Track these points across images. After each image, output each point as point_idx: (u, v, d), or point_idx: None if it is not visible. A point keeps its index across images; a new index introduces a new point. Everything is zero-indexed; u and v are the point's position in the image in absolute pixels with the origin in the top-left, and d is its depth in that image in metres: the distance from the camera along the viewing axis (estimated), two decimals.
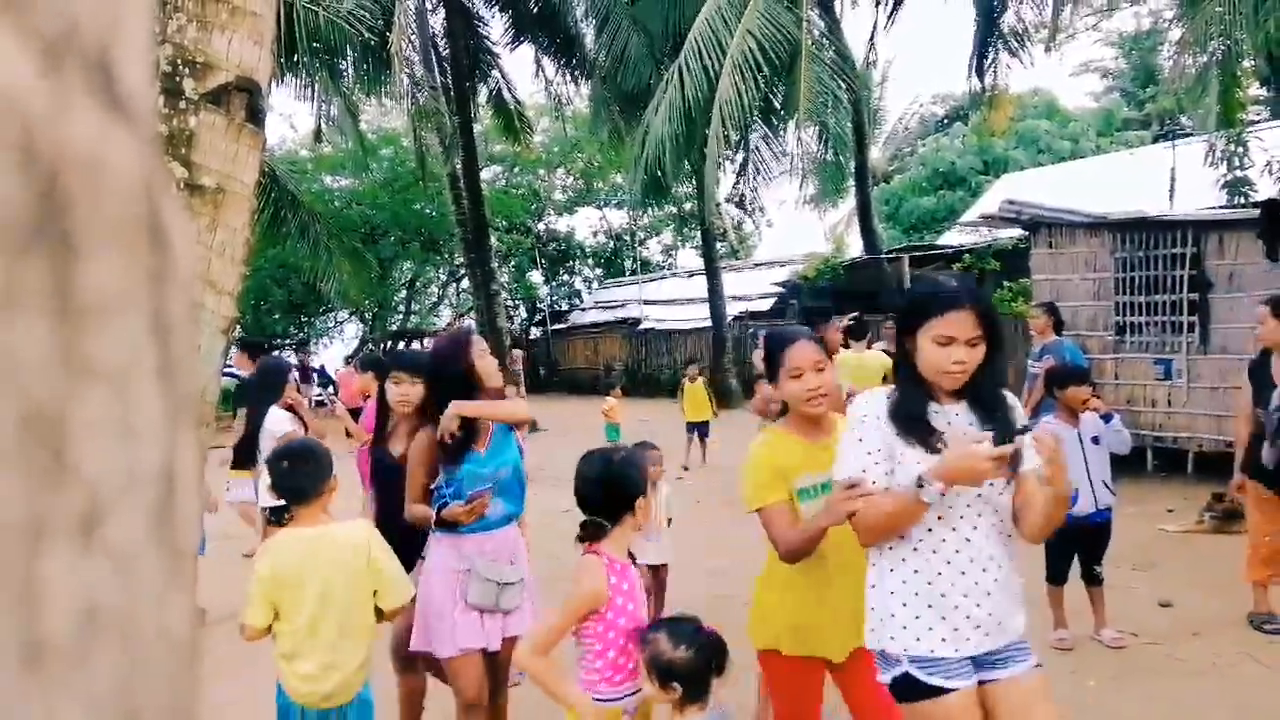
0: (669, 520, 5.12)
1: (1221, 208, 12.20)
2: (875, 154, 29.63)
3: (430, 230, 27.10)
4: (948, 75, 54.27)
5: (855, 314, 8.33)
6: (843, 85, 14.41)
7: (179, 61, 2.19)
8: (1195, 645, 4.85)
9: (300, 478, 2.89)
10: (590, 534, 2.67)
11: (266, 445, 6.04)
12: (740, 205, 32.83)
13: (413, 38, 16.50)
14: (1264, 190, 12.93)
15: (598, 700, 2.52)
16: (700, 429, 11.72)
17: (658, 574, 4.97)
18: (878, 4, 18.11)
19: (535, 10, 18.16)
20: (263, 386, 6.38)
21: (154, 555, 0.28)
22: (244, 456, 6.17)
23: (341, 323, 31.99)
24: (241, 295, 2.41)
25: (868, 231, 20.05)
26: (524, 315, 31.95)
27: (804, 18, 13.36)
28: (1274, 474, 4.84)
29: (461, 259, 25.22)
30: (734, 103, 12.79)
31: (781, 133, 16.04)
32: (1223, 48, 11.85)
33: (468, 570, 3.34)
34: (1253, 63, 13.38)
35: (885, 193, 29.98)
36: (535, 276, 32.20)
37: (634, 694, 2.53)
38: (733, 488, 3.73)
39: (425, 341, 31.95)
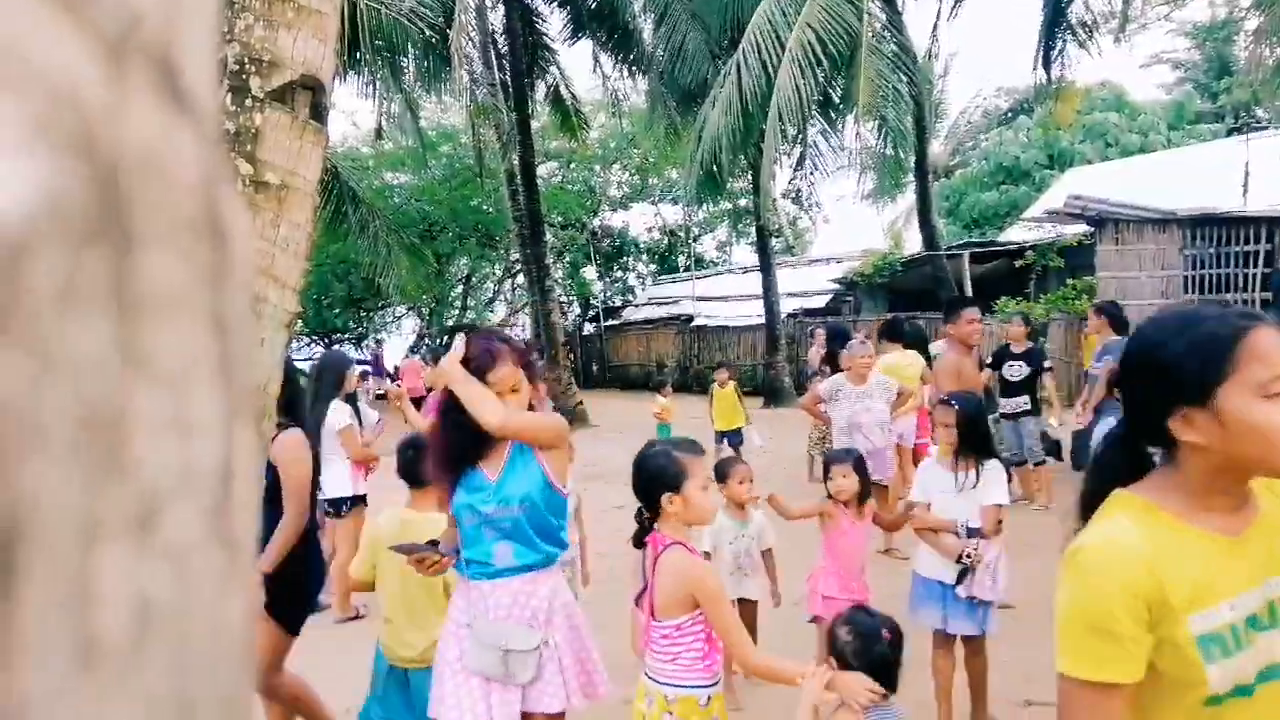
0: (766, 551, 4.50)
1: None
2: (936, 148, 29.16)
3: (487, 226, 27.39)
4: (1012, 68, 53.12)
5: (892, 315, 8.27)
6: (904, 78, 14.21)
7: (246, 60, 2.25)
8: None
9: (421, 465, 3.25)
10: (641, 522, 2.75)
11: (327, 441, 6.13)
12: (796, 201, 32.58)
13: (472, 34, 16.67)
14: None
15: (695, 688, 2.59)
16: (731, 438, 10.64)
17: (746, 609, 4.34)
18: None
19: (593, 5, 18.21)
20: (322, 381, 6.50)
21: (211, 552, 0.28)
22: None
23: (400, 317, 32.57)
24: (303, 290, 2.47)
25: (927, 227, 19.74)
26: (578, 311, 32.13)
27: (865, 10, 13.19)
28: None
29: (517, 255, 25.48)
30: (792, 97, 12.70)
31: (840, 127, 15.89)
32: None
33: (468, 626, 2.72)
34: None
35: (946, 188, 29.50)
36: (589, 272, 32.35)
37: (716, 684, 2.65)
38: (787, 486, 3.65)
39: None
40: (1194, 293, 8.99)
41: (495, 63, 17.77)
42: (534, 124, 20.37)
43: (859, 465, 4.22)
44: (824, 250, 30.30)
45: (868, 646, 2.55)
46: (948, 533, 3.95)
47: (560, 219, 29.46)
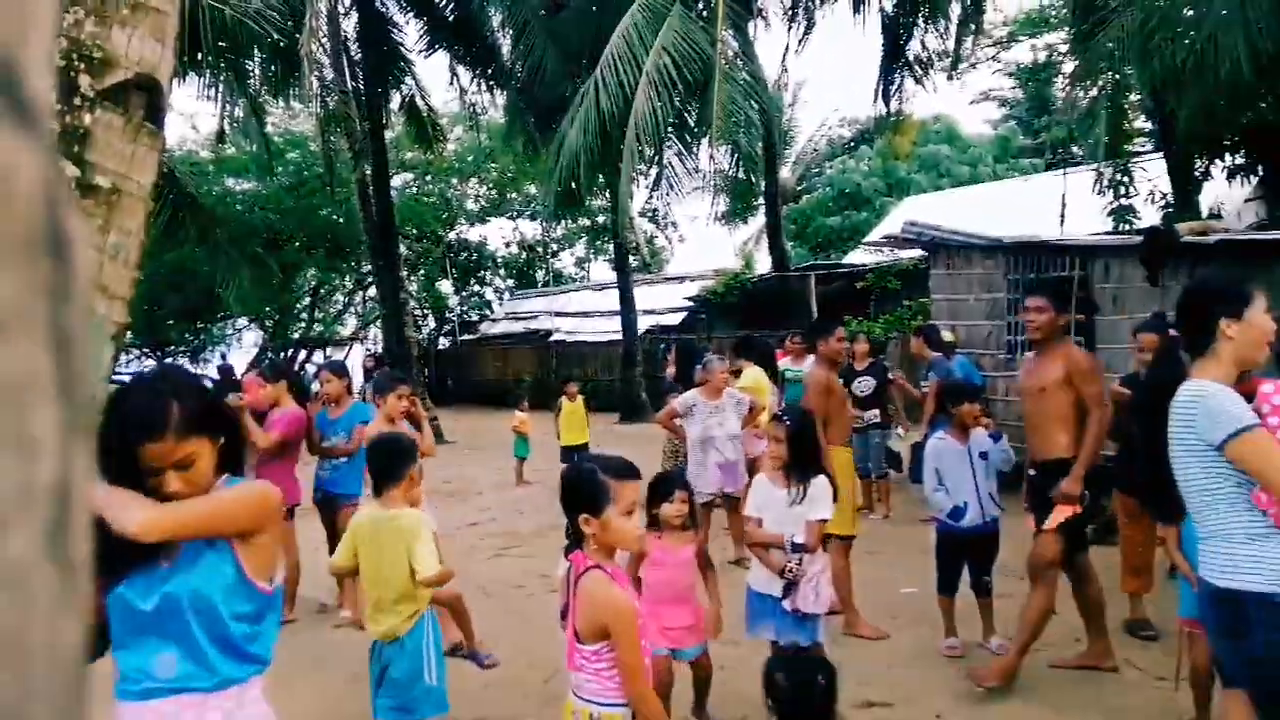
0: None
1: (1107, 234, 12.87)
2: (785, 174, 30.30)
3: (337, 237, 26.51)
4: (855, 99, 55.91)
5: (745, 333, 8.60)
6: (755, 105, 14.69)
7: (75, 56, 2.12)
8: (1077, 651, 5.08)
9: (392, 465, 3.71)
10: (569, 536, 2.65)
11: None
12: (653, 220, 33.13)
13: (324, 40, 16.17)
14: (1147, 218, 13.69)
15: (622, 705, 2.52)
16: (577, 454, 9.99)
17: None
18: (790, 27, 18.55)
19: (451, 18, 18.01)
20: None
21: (47, 573, 0.28)
22: None
23: (240, 330, 30.99)
24: (134, 300, 2.34)
25: (776, 248, 20.46)
26: (433, 325, 31.50)
27: (718, 37, 13.58)
28: (1142, 489, 5.12)
29: (369, 266, 24.77)
30: (648, 119, 12.91)
31: (695, 149, 16.25)
32: (1111, 82, 12.54)
33: None
34: (1139, 97, 14.16)
35: (794, 212, 30.64)
36: (445, 286, 31.79)
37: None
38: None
39: (329, 350, 31.25)
40: (1016, 314, 9.65)
41: (348, 70, 17.29)
42: (388, 134, 19.93)
43: (689, 489, 4.08)
44: (679, 268, 30.86)
45: (805, 693, 2.59)
46: (776, 548, 4.03)
47: (415, 231, 28.84)
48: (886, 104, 18.12)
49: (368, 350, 28.75)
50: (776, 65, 40.11)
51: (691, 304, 22.16)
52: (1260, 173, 12.37)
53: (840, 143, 34.61)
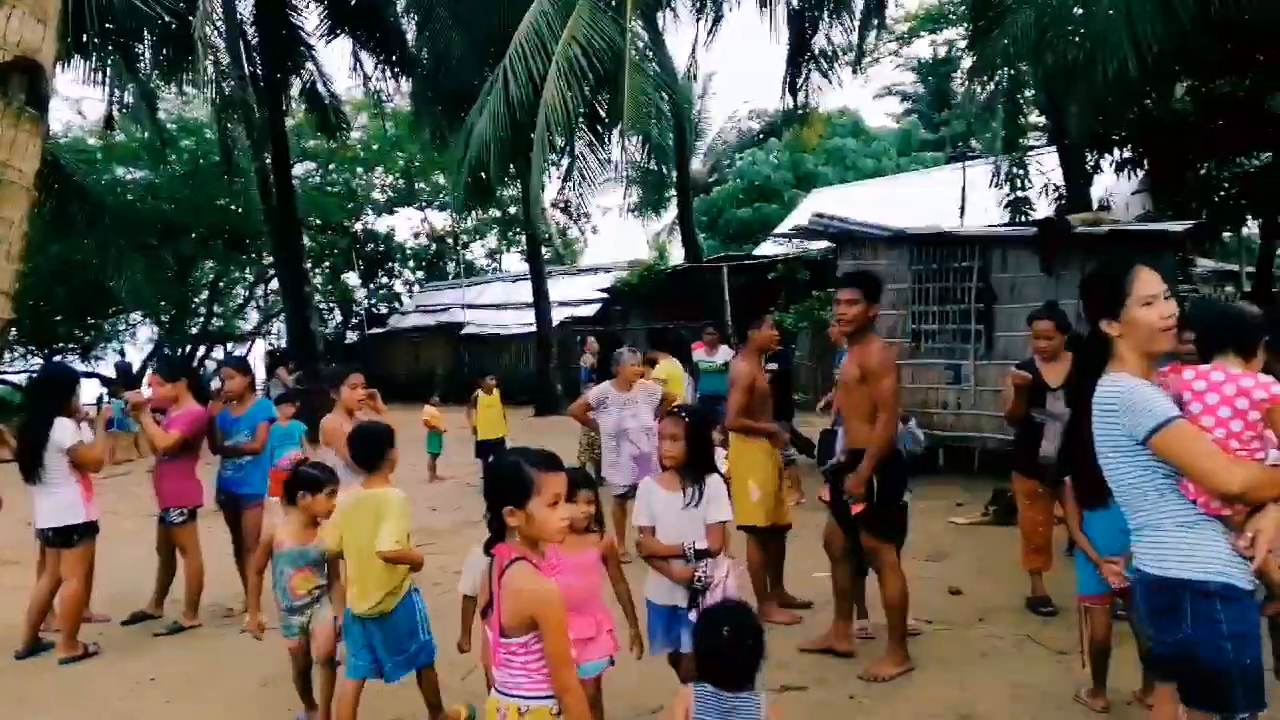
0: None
1: (1004, 225, 13.36)
2: (696, 165, 30.51)
3: (236, 228, 25.62)
4: (764, 92, 56.67)
5: (662, 325, 8.67)
6: (665, 97, 14.76)
7: None
8: (982, 629, 5.27)
9: (372, 451, 4.04)
10: (492, 529, 2.61)
11: (53, 460, 5.54)
12: (565, 211, 32.97)
13: (218, 23, 15.59)
14: (1041, 210, 14.27)
15: (549, 698, 2.49)
16: (494, 449, 10.08)
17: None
18: (699, 19, 18.67)
19: (353, 3, 17.57)
20: (44, 394, 5.84)
21: None
22: (26, 470, 5.60)
23: (134, 326, 29.67)
24: (18, 295, 2.21)
25: (689, 240, 20.61)
26: (340, 318, 30.76)
27: (628, 28, 13.56)
28: (1041, 468, 5.34)
29: (270, 259, 24.02)
30: (559, 109, 12.81)
31: (607, 141, 16.22)
32: (1007, 78, 12.99)
33: None
34: (1033, 92, 14.72)
35: (705, 203, 30.92)
36: (352, 278, 31.08)
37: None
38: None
39: (230, 346, 30.21)
40: (920, 304, 9.95)
41: (245, 55, 16.71)
42: (289, 121, 19.36)
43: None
44: (593, 260, 30.85)
45: (723, 646, 2.70)
46: (676, 558, 3.79)
47: (319, 222, 28.10)
48: (794, 97, 18.41)
49: (270, 345, 27.93)
50: (686, 57, 40.38)
51: (606, 295, 22.16)
52: (1146, 166, 12.99)
53: (749, 135, 35.06)
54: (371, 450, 4.05)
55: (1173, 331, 2.61)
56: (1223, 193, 12.47)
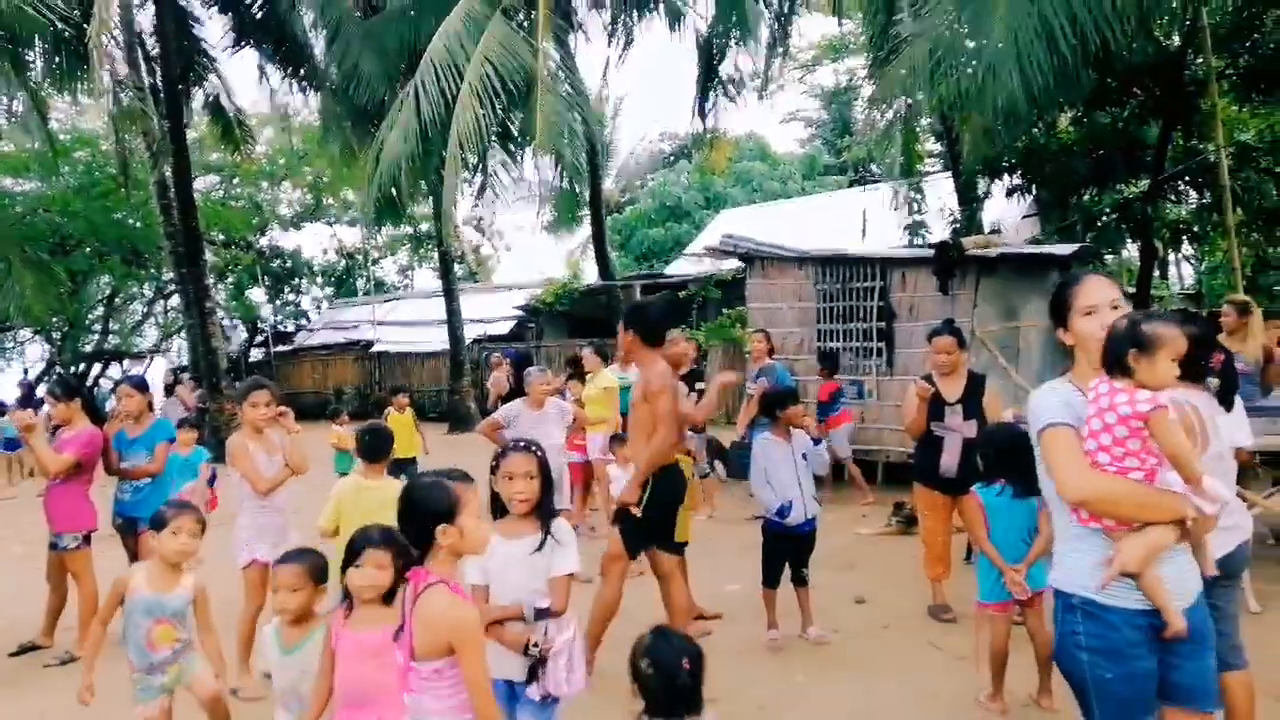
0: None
1: (903, 247, 13.88)
2: (608, 185, 30.73)
3: (134, 242, 24.64)
4: (675, 115, 57.46)
5: (588, 341, 8.72)
6: (578, 117, 14.85)
7: None
8: (886, 636, 5.46)
9: (376, 445, 4.67)
10: (404, 555, 2.57)
11: None
12: (478, 228, 32.77)
13: (116, 32, 15.08)
14: (937, 233, 14.86)
15: None
16: (406, 468, 9.70)
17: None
18: (610, 42, 18.89)
19: (258, 15, 17.20)
20: None
21: None
22: None
23: (23, 343, 28.21)
24: None
25: (602, 259, 20.73)
26: (244, 336, 29.83)
27: (540, 49, 13.64)
28: (942, 478, 5.56)
29: (171, 274, 23.18)
30: (471, 127, 12.80)
31: (519, 159, 16.24)
32: (905, 106, 13.51)
33: None
34: (929, 120, 15.33)
35: (617, 223, 31.13)
36: (257, 295, 30.18)
37: None
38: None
39: (126, 363, 28.99)
40: (825, 322, 10.25)
41: (144, 64, 16.20)
42: (191, 134, 18.81)
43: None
44: (507, 277, 30.69)
45: (670, 678, 2.55)
46: (513, 619, 3.19)
47: (222, 236, 27.26)
48: (703, 120, 18.79)
49: (170, 364, 26.91)
50: (599, 79, 40.62)
51: (520, 313, 22.08)
52: (1034, 192, 13.67)
53: (661, 156, 35.46)
54: (380, 446, 4.70)
55: None
56: (1104, 218, 13.20)
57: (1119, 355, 2.48)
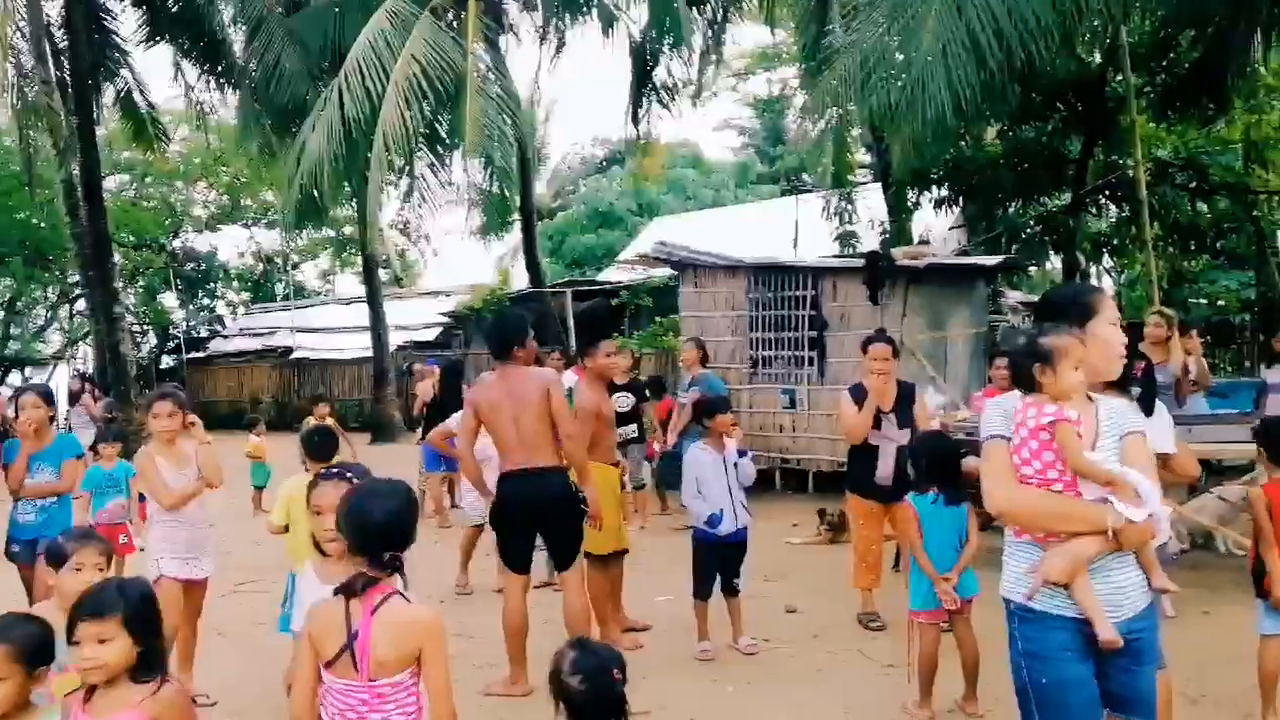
0: None
1: (835, 257, 13.98)
2: (540, 190, 30.46)
3: (38, 243, 23.62)
4: (607, 120, 57.47)
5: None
6: (508, 121, 14.61)
7: None
8: (816, 646, 5.40)
9: (325, 445, 4.91)
10: (391, 571, 2.45)
11: None
12: (404, 232, 32.17)
13: (21, 24, 14.41)
14: (868, 243, 15.01)
15: None
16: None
17: None
18: (541, 45, 18.70)
19: (174, 9, 16.59)
20: None
21: None
22: None
23: None
24: None
25: (533, 265, 20.49)
26: (154, 342, 28.78)
27: (469, 50, 13.39)
28: (878, 488, 5.53)
29: (77, 277, 22.25)
30: (398, 128, 12.47)
31: (448, 162, 15.92)
32: (836, 117, 13.62)
33: None
34: (860, 131, 15.50)
35: (549, 228, 30.90)
36: (169, 299, 29.15)
37: None
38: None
39: (28, 371, 27.72)
40: (758, 331, 10.23)
41: (52, 58, 15.50)
42: (100, 131, 18.05)
43: None
44: (434, 283, 30.16)
45: (599, 689, 2.43)
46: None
47: (133, 238, 26.27)
48: (636, 127, 18.71)
49: (75, 371, 25.76)
50: (530, 82, 40.36)
51: (447, 320, 21.69)
52: (961, 204, 13.92)
53: (593, 162, 35.38)
54: (328, 445, 4.92)
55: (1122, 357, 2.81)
56: (1029, 230, 13.51)
57: (1025, 371, 2.54)
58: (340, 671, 2.39)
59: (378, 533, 2.44)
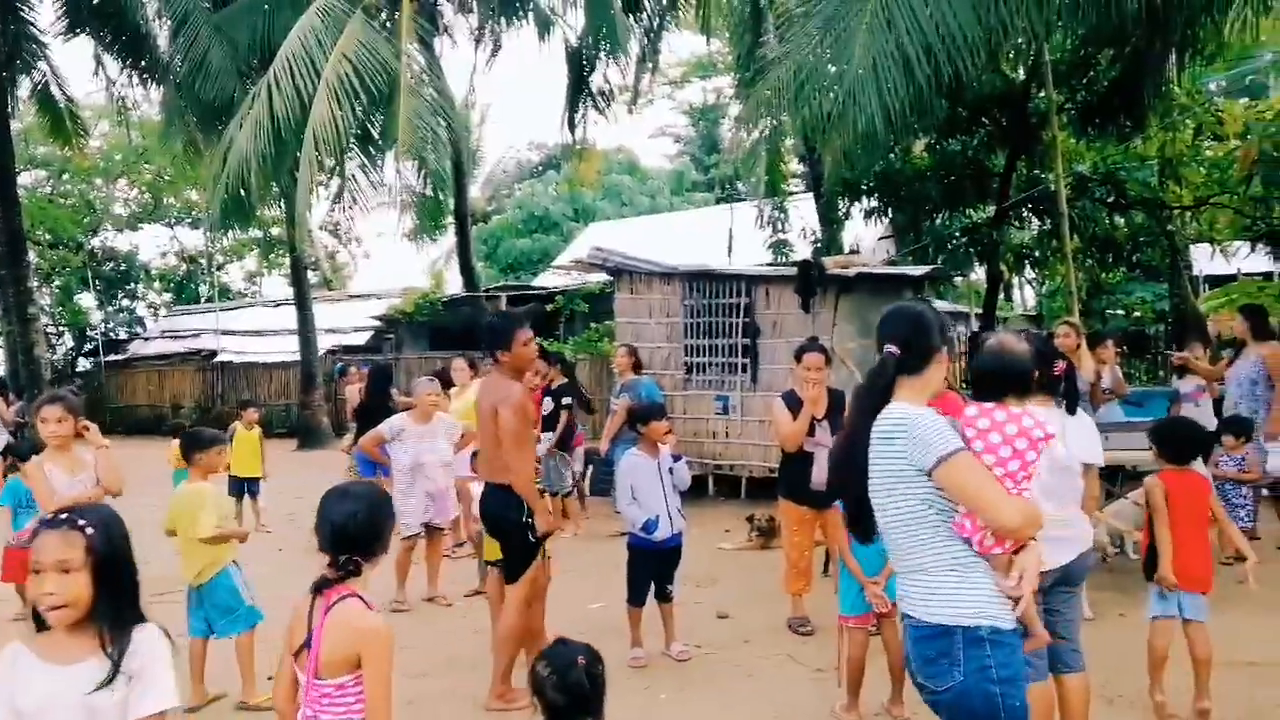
0: None
1: (768, 265, 14.12)
2: (474, 193, 30.21)
3: None
4: (543, 125, 57.19)
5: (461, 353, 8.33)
6: (443, 122, 14.44)
7: None
8: (747, 651, 5.43)
9: (195, 447, 4.92)
10: (346, 574, 2.50)
11: None
12: (335, 234, 31.57)
13: None
14: (800, 251, 15.20)
15: None
16: (250, 486, 9.64)
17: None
18: (477, 47, 18.57)
19: (95, 1, 16.04)
20: None
21: None
22: None
23: None
24: None
25: (466, 269, 20.31)
26: (70, 344, 27.74)
27: (403, 50, 13.21)
28: (812, 495, 5.58)
29: None
30: (329, 127, 12.21)
31: (380, 163, 15.66)
32: (770, 127, 13.78)
33: None
34: (793, 141, 15.69)
35: (484, 232, 30.66)
36: (86, 299, 28.14)
37: None
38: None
39: None
40: (692, 337, 10.29)
41: None
42: (15, 125, 17.40)
43: None
44: (364, 286, 29.68)
45: (565, 679, 2.45)
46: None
47: (49, 236, 25.30)
48: (572, 132, 18.69)
49: None
50: (465, 84, 40.07)
51: (378, 323, 21.35)
52: (890, 215, 14.17)
53: (529, 166, 35.22)
54: (190, 448, 4.95)
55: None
56: (954, 241, 13.81)
57: (1026, 385, 2.62)
58: (301, 666, 2.49)
59: (334, 534, 2.52)
